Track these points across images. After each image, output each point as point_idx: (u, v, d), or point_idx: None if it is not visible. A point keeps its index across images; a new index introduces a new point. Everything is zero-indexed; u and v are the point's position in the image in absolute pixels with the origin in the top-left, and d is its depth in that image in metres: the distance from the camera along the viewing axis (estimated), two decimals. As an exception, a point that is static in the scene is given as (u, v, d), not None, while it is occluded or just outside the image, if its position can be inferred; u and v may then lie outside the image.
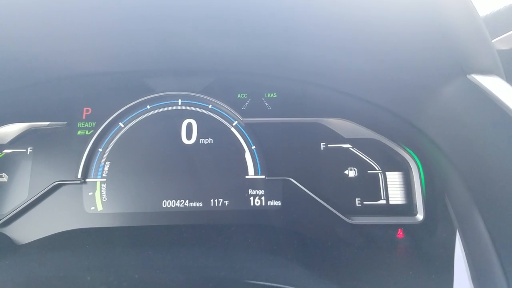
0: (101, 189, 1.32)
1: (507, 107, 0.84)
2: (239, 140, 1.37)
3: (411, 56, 1.06)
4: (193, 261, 1.01)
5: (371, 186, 1.34)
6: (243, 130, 1.38)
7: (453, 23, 0.90)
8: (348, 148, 1.37)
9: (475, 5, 0.92)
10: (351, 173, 1.34)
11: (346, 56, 1.17)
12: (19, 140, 1.37)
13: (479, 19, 0.91)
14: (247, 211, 1.32)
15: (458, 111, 1.02)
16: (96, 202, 1.31)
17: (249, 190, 1.33)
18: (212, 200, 1.32)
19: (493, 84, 0.90)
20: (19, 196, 1.31)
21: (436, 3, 0.91)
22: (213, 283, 0.79)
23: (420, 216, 1.27)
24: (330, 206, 1.29)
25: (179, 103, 1.42)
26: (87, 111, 1.40)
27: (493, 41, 1.00)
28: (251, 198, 1.33)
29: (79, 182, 1.32)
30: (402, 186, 1.33)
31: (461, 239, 1.04)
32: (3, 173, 1.34)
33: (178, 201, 1.32)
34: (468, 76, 0.96)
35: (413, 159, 1.32)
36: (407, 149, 1.33)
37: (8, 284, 0.81)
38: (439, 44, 0.95)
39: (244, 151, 1.36)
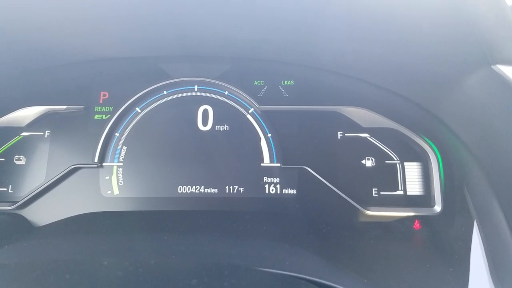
0: (117, 173, 1.33)
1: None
2: (255, 128, 1.37)
3: (434, 45, 1.03)
4: (208, 247, 1.02)
5: (389, 177, 1.32)
6: (259, 118, 1.38)
7: (479, 11, 0.87)
8: (366, 137, 1.35)
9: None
10: (369, 162, 1.33)
11: (366, 44, 1.15)
12: (37, 123, 1.38)
13: (507, 8, 0.88)
14: (262, 199, 1.32)
15: (481, 102, 0.99)
16: (113, 186, 1.32)
17: (264, 177, 1.33)
18: (227, 187, 1.32)
19: (518, 75, 0.88)
20: (36, 179, 1.33)
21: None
22: (228, 270, 0.79)
23: (438, 208, 1.26)
24: (346, 196, 1.29)
25: (196, 89, 1.42)
26: (104, 95, 1.40)
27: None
28: (266, 186, 1.32)
29: (96, 166, 1.33)
30: (420, 177, 1.31)
31: (479, 232, 1.02)
32: (21, 156, 1.35)
33: (194, 187, 1.32)
34: (492, 67, 0.93)
35: (432, 149, 1.30)
36: (427, 140, 1.31)
37: (25, 266, 0.82)
38: (464, 33, 0.93)
39: (259, 139, 1.35)
